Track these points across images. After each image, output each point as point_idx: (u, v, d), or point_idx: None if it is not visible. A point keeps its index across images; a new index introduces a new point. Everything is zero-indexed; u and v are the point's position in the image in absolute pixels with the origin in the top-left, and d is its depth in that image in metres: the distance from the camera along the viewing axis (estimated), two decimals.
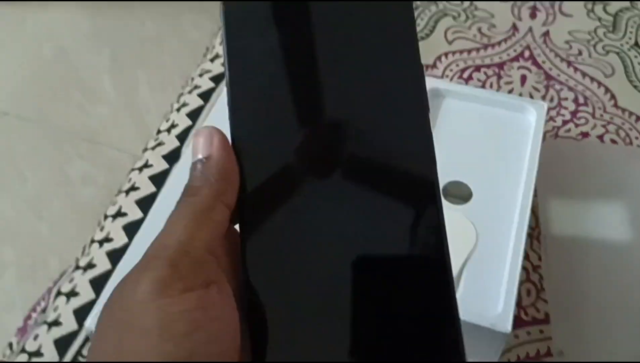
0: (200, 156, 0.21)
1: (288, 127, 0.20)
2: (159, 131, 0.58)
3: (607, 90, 0.51)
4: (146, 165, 0.53)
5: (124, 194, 0.50)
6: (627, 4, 0.56)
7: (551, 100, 0.50)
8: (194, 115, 0.57)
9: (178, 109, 0.58)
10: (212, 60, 0.65)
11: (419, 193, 0.19)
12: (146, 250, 0.19)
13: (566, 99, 0.50)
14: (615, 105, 0.50)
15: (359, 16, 0.21)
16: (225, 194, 0.20)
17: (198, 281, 0.19)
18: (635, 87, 0.51)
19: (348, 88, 0.20)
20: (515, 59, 0.53)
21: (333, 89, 0.20)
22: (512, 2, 0.56)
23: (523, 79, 0.52)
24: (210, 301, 0.19)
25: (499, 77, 0.51)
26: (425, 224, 0.19)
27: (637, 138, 0.48)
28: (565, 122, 0.49)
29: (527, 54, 0.53)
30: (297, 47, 0.21)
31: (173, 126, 0.56)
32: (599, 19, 0.55)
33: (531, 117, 0.44)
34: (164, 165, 0.53)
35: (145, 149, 0.56)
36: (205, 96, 0.59)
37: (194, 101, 0.58)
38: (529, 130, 0.44)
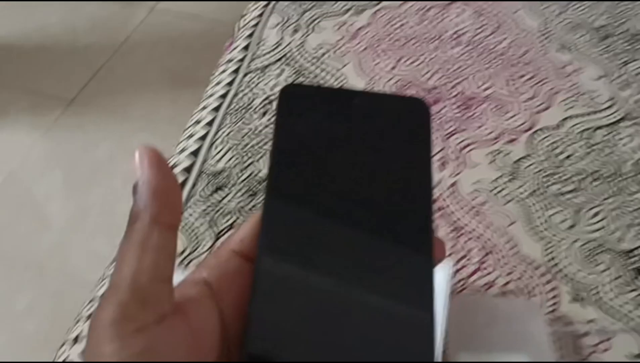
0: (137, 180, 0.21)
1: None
2: None
3: (509, 239, 0.56)
4: None
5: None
6: (525, 152, 0.63)
7: (461, 250, 0.55)
8: None
9: None
10: None
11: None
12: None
13: (473, 249, 0.55)
14: (517, 254, 0.55)
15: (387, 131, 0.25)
16: (162, 214, 0.21)
17: (149, 319, 0.19)
18: (535, 234, 0.56)
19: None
20: None
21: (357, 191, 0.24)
22: None
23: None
24: (162, 341, 0.19)
25: None
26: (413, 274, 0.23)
27: (537, 286, 0.53)
28: (472, 273, 0.54)
29: (437, 205, 0.58)
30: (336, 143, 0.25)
31: None
32: (500, 168, 0.62)
33: (438, 278, 0.49)
34: None
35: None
36: None
37: None
38: (437, 291, 0.48)
